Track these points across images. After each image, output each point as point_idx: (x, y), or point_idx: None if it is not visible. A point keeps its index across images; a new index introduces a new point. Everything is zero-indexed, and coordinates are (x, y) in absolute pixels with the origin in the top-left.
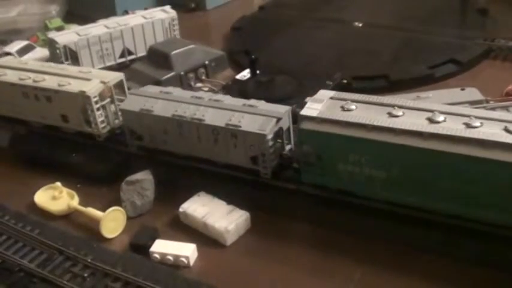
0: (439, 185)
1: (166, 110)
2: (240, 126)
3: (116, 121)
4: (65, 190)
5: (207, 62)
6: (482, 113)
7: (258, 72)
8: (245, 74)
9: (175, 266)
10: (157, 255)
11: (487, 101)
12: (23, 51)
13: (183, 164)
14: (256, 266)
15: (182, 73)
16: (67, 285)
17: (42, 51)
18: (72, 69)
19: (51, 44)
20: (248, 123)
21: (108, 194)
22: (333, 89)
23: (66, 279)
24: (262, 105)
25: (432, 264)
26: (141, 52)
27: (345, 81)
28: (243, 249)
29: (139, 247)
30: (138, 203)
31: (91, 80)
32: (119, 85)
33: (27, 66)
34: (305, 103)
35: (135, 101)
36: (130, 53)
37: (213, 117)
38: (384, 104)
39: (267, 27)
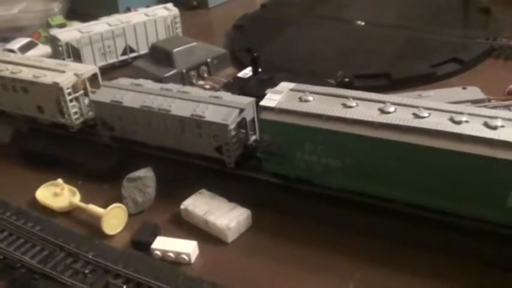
0: (391, 173)
1: (135, 101)
2: (204, 117)
3: (90, 113)
4: (67, 187)
5: (209, 60)
6: (430, 103)
7: (259, 70)
8: (247, 72)
9: (176, 263)
10: (158, 252)
11: (489, 100)
12: (25, 48)
13: (184, 160)
14: (257, 263)
15: (184, 71)
16: (68, 281)
17: (44, 49)
18: (50, 62)
19: (53, 41)
20: (212, 114)
21: (110, 191)
22: (335, 87)
23: (67, 275)
24: (227, 96)
25: (433, 262)
26: (143, 50)
27: (346, 79)
28: (244, 246)
29: (141, 244)
30: (139, 200)
31: (65, 73)
32: (94, 78)
33: (8, 58)
34: (266, 94)
35: (106, 93)
36: (132, 51)
37: (179, 108)
38: (340, 96)
39: (269, 25)
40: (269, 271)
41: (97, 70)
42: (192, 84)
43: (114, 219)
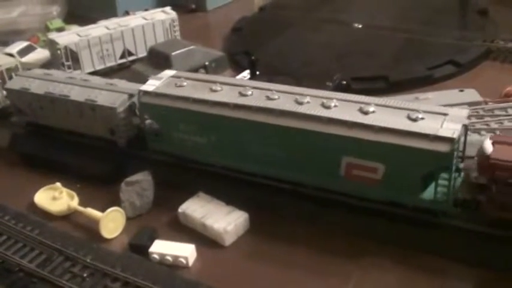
0: (248, 148)
1: (41, 88)
2: (97, 101)
3: (8, 102)
4: (65, 190)
5: (207, 63)
6: (282, 87)
7: (257, 73)
8: (245, 74)
9: (174, 266)
10: (156, 256)
11: (486, 102)
12: (23, 52)
13: (182, 164)
14: (254, 266)
15: None
16: (66, 285)
17: (43, 52)
18: None
19: (51, 44)
20: (103, 99)
21: (108, 194)
22: (332, 90)
23: (65, 279)
24: (122, 84)
25: (432, 263)
26: (142, 53)
27: (344, 82)
28: (241, 249)
29: (139, 247)
30: (137, 204)
31: None
32: (15, 70)
33: None
34: (147, 80)
35: (18, 81)
36: (130, 54)
37: (77, 94)
38: (209, 81)
39: (267, 28)
40: (267, 274)
41: (17, 63)
42: None
43: (112, 222)
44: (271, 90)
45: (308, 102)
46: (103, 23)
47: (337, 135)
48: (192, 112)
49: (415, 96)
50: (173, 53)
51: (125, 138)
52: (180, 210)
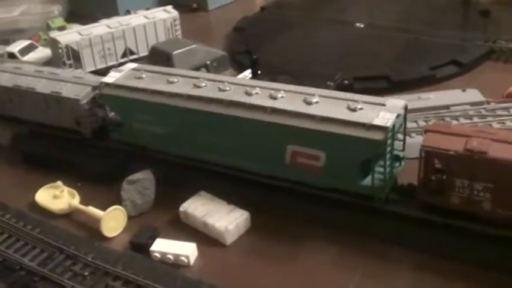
0: (201, 137)
1: (9, 81)
2: (61, 93)
3: None
4: (66, 189)
5: (208, 62)
6: (233, 79)
7: (259, 72)
8: (246, 74)
9: (175, 265)
10: (157, 254)
11: (488, 102)
12: (25, 51)
13: (183, 163)
14: (255, 265)
15: None
16: (67, 283)
17: (44, 51)
18: None
19: (53, 43)
20: (68, 91)
21: (109, 193)
22: (334, 89)
23: (66, 277)
24: (88, 77)
25: (436, 265)
26: (143, 52)
27: (346, 81)
28: (243, 248)
29: (140, 246)
30: (138, 202)
31: None
32: None
33: None
34: (109, 72)
35: None
36: (132, 53)
37: (43, 86)
38: (167, 74)
39: (269, 27)
40: (268, 273)
41: None
42: None
43: (113, 221)
44: (223, 82)
45: (257, 93)
46: (104, 21)
47: (282, 125)
48: (149, 103)
49: (418, 96)
50: (174, 52)
51: (90, 129)
52: (181, 209)
